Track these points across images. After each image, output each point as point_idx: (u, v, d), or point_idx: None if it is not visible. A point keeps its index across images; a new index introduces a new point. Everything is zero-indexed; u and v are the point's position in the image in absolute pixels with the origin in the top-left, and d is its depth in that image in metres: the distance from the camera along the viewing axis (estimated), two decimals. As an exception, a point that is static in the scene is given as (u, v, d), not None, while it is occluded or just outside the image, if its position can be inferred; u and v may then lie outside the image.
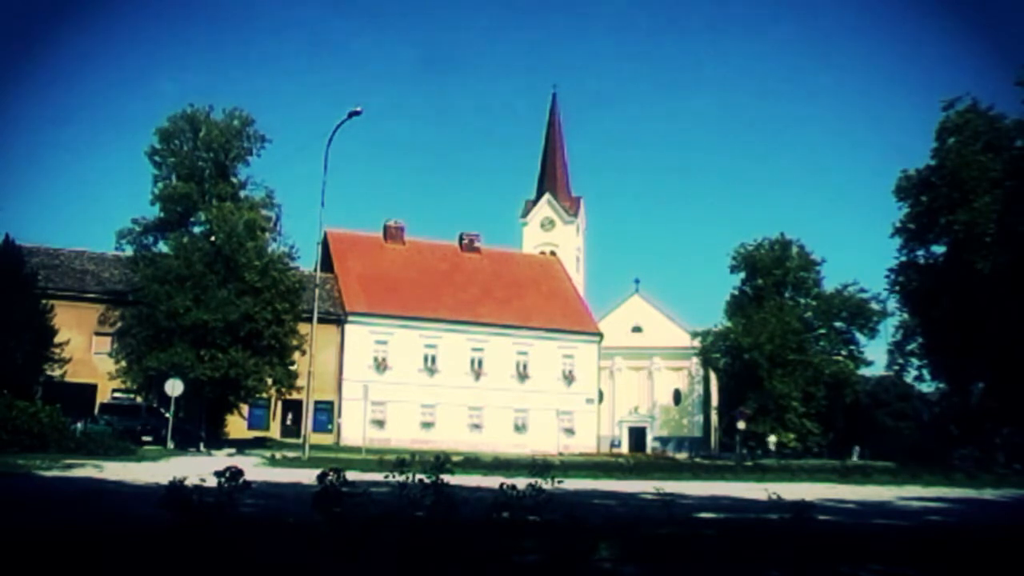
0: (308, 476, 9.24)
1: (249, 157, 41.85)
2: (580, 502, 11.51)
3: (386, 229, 60.60)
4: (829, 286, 64.63)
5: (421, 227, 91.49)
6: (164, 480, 7.01)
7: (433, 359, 54.65)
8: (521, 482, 7.50)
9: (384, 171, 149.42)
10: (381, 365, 52.79)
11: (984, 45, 78.26)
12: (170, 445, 32.44)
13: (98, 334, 44.98)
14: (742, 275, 64.56)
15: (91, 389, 41.37)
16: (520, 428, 55.36)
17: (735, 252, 64.48)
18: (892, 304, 53.02)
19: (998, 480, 24.59)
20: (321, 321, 37.61)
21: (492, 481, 9.36)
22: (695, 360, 69.31)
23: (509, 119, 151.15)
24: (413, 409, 52.66)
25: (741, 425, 49.26)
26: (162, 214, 40.95)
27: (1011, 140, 43.12)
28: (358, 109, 31.49)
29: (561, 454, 44.85)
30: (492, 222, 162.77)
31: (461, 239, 62.48)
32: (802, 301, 64.35)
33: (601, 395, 62.94)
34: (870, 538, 8.83)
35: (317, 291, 36.50)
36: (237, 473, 6.60)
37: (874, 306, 60.90)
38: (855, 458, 50.05)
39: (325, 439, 45.39)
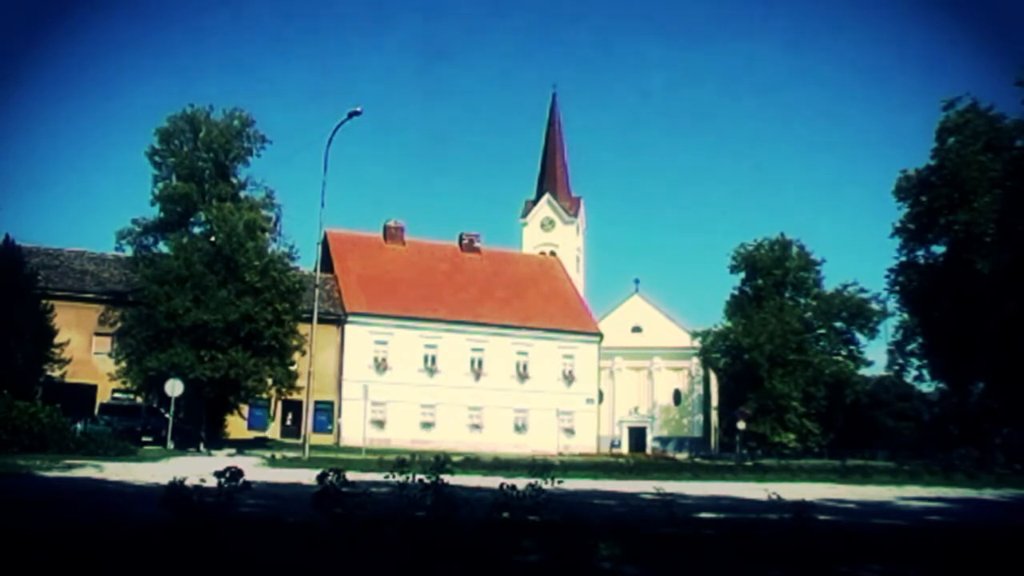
0: (308, 476, 9.25)
1: (249, 157, 41.86)
2: (580, 502, 11.54)
3: (386, 229, 60.59)
4: (829, 286, 64.76)
5: (421, 227, 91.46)
6: (164, 480, 7.03)
7: (433, 359, 54.63)
8: (521, 482, 7.51)
9: (384, 171, 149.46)
10: (381, 365, 52.77)
11: (984, 45, 78.13)
12: (170, 445, 32.45)
13: (98, 334, 44.94)
14: (742, 275, 64.61)
15: (91, 389, 41.31)
16: (520, 428, 55.34)
17: (735, 252, 64.56)
18: (892, 304, 53.19)
19: (998, 480, 24.58)
20: (321, 321, 37.60)
21: (492, 481, 9.38)
22: (695, 360, 69.29)
23: (509, 119, 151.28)
24: (413, 409, 52.62)
25: (741, 425, 49.28)
26: (162, 214, 40.93)
27: (1011, 140, 43.15)
28: (358, 109, 31.56)
29: (561, 454, 44.86)
30: (492, 222, 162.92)
31: (461, 239, 62.47)
32: (802, 301, 64.36)
33: (601, 395, 62.90)
34: (870, 538, 8.83)
35: (317, 291, 36.49)
36: (237, 473, 6.61)
37: (874, 306, 60.95)
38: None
39: (325, 439, 45.38)
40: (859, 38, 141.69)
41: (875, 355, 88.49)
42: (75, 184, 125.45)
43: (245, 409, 42.96)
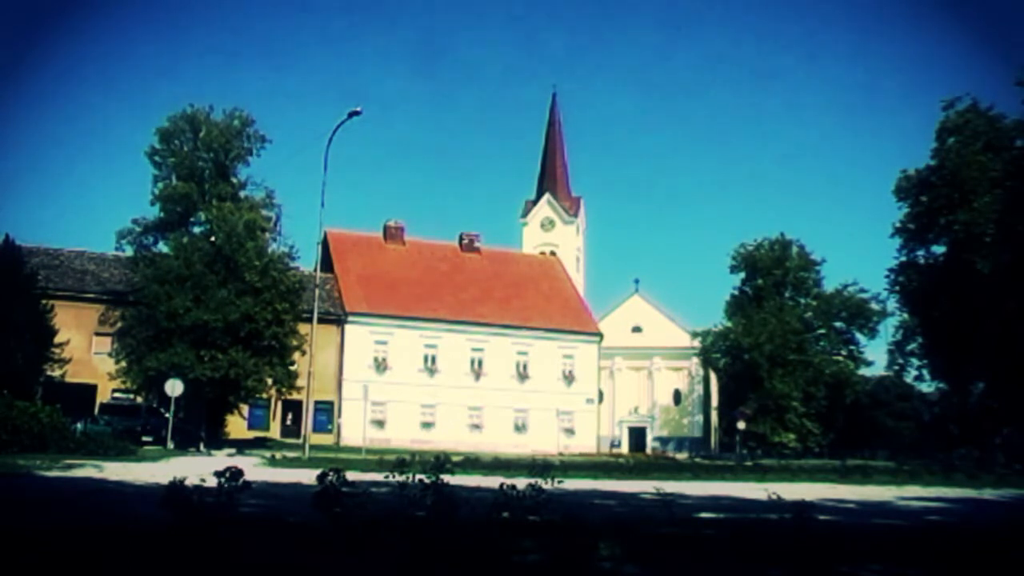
0: (308, 476, 9.26)
1: (249, 157, 41.87)
2: (580, 502, 11.53)
3: (386, 229, 60.58)
4: (829, 286, 64.72)
5: (421, 227, 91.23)
6: (164, 480, 7.03)
7: (433, 359, 54.61)
8: (521, 482, 7.52)
9: (384, 171, 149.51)
10: (381, 365, 52.76)
11: (984, 45, 78.27)
12: (170, 445, 32.44)
13: (98, 334, 44.93)
14: (742, 275, 64.56)
15: (91, 389, 41.31)
16: (520, 428, 55.33)
17: (735, 252, 64.51)
18: (892, 304, 53.07)
19: (998, 480, 24.59)
20: (321, 321, 37.58)
21: (492, 481, 9.38)
22: (695, 360, 69.27)
23: (509, 119, 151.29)
24: (413, 409, 52.61)
25: (741, 425, 49.26)
26: (162, 214, 40.93)
27: (1011, 140, 43.10)
28: (358, 109, 31.58)
29: (561, 454, 44.82)
30: (492, 222, 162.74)
31: (461, 239, 62.45)
32: (802, 301, 64.33)
33: (601, 395, 62.89)
34: (870, 538, 8.83)
35: (317, 291, 36.51)
36: (237, 473, 6.61)
37: (874, 306, 60.90)
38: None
39: (325, 439, 45.38)
40: (859, 38, 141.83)
41: (875, 355, 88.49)
42: (75, 184, 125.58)
43: (245, 409, 42.96)
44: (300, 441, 35.98)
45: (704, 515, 11.16)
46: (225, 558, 5.67)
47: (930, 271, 46.31)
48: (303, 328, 39.28)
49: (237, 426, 43.17)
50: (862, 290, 62.54)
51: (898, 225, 46.57)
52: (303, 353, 38.94)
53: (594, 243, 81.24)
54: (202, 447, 34.10)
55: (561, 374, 57.53)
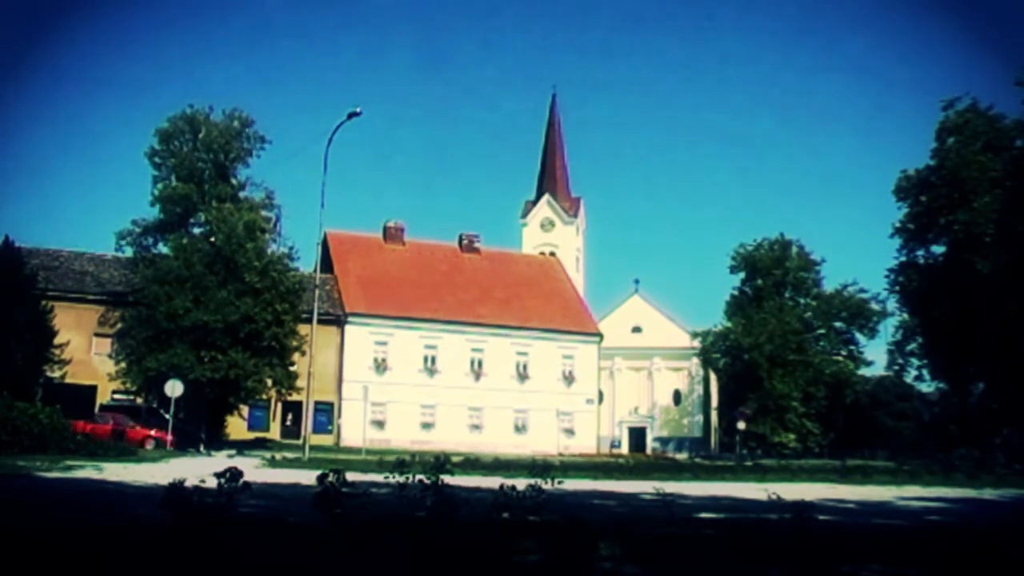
0: (308, 477, 9.27)
1: (249, 158, 41.90)
2: (580, 502, 11.54)
3: (386, 230, 60.57)
4: (829, 286, 64.74)
5: (421, 227, 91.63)
6: (164, 481, 7.03)
7: (433, 360, 54.59)
8: (521, 482, 7.52)
9: (384, 171, 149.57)
10: (381, 366, 52.74)
11: (984, 45, 78.32)
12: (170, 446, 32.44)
13: (98, 335, 44.92)
14: (742, 275, 64.54)
15: (91, 390, 41.31)
16: (520, 428, 55.29)
17: (735, 252, 64.49)
18: (892, 304, 53.05)
19: (998, 480, 24.64)
20: (321, 322, 37.58)
21: (492, 482, 9.38)
22: (695, 360, 69.21)
23: (509, 119, 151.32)
24: (413, 410, 52.59)
25: (741, 425, 49.26)
26: (162, 215, 40.94)
27: (1011, 140, 43.10)
28: (357, 110, 31.59)
29: (561, 454, 44.83)
30: (492, 222, 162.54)
31: (461, 239, 62.45)
32: (802, 301, 64.32)
33: (601, 395, 62.85)
34: (870, 538, 8.83)
35: (317, 292, 36.50)
36: (237, 474, 6.61)
37: (874, 306, 60.91)
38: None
39: (325, 440, 45.37)
40: (859, 38, 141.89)
41: (875, 355, 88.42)
42: (75, 184, 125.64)
43: (245, 410, 42.93)
44: (300, 442, 35.98)
45: (704, 515, 11.17)
46: (225, 558, 5.67)
47: (930, 271, 46.29)
48: (303, 329, 39.25)
49: (237, 427, 43.15)
50: (862, 290, 62.63)
51: (898, 225, 46.58)
52: (303, 354, 38.92)
53: (594, 243, 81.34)
54: (202, 448, 34.12)
55: (561, 374, 57.50)
